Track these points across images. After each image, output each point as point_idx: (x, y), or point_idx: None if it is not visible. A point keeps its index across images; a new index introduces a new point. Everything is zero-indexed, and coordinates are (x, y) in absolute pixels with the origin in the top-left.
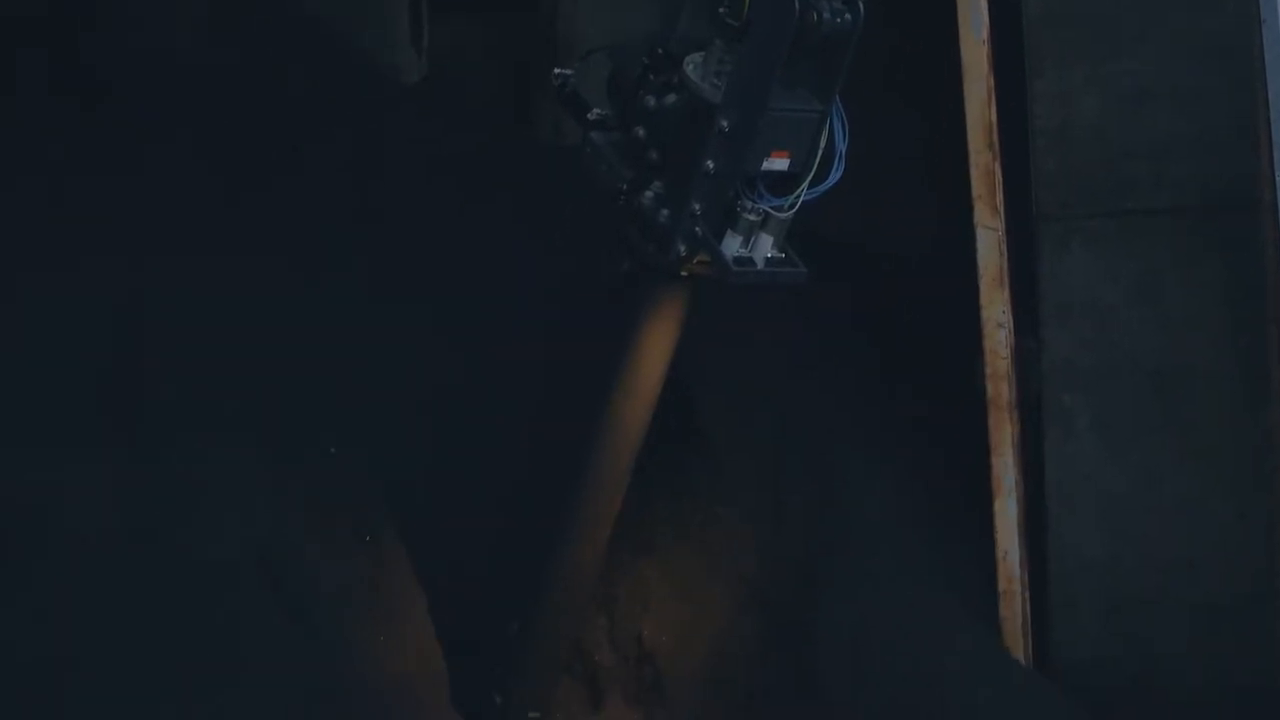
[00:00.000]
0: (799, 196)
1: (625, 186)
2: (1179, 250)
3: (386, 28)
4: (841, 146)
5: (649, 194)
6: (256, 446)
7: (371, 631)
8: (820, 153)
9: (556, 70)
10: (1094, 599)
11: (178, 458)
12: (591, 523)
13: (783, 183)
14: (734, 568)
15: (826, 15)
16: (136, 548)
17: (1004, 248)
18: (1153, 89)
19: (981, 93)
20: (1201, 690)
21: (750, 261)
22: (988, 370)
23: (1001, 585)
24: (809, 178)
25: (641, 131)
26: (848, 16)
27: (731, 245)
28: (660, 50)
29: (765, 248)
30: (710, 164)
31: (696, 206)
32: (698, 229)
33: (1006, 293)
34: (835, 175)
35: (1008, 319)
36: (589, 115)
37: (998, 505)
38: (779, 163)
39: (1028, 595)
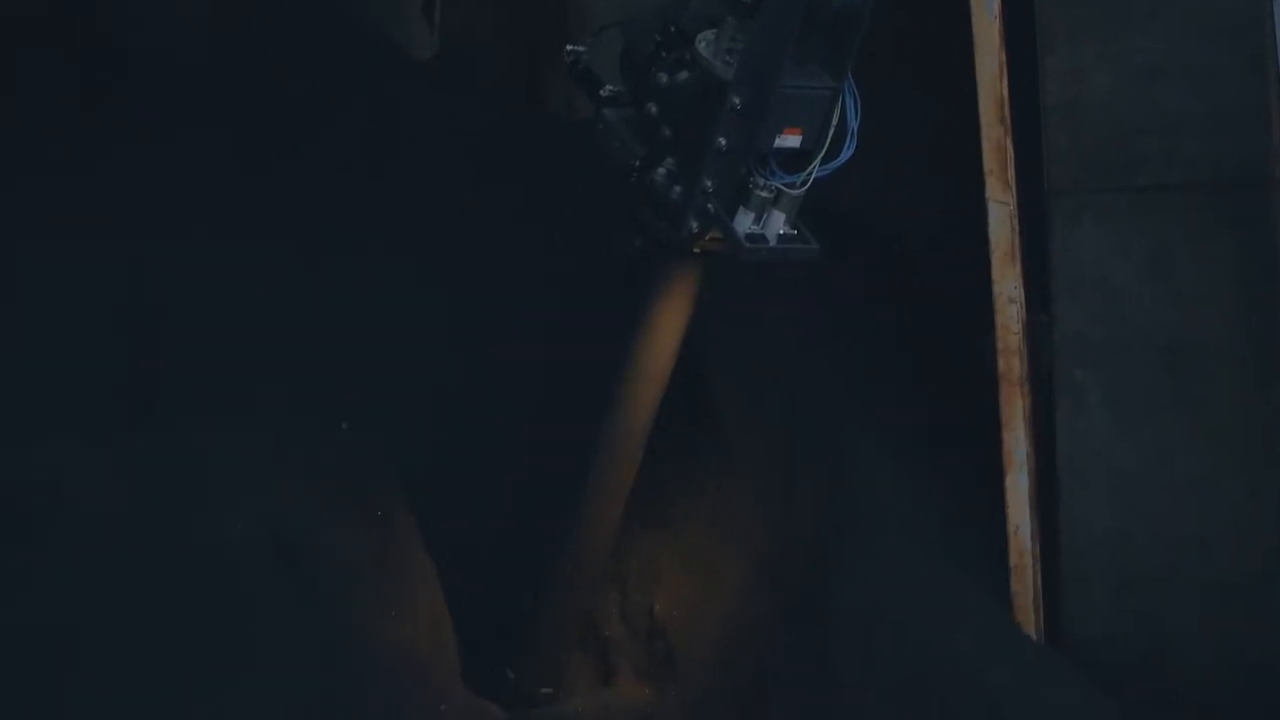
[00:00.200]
0: (811, 173)
1: (637, 163)
2: (1191, 226)
3: (398, 3)
4: (854, 123)
5: (661, 171)
6: (268, 425)
7: (383, 608)
8: (832, 130)
9: (569, 47)
10: (1105, 575)
11: (190, 438)
12: (603, 500)
13: (795, 160)
14: (746, 544)
15: None
16: (149, 527)
17: (1015, 223)
18: (1164, 66)
19: (993, 68)
20: (1213, 667)
21: (762, 238)
22: (999, 345)
23: (1012, 560)
24: (821, 154)
25: (654, 108)
26: None
27: (744, 222)
28: (672, 27)
29: (777, 224)
30: (722, 141)
31: (709, 183)
32: (710, 206)
33: (1018, 268)
34: (847, 152)
35: (1019, 294)
36: (601, 92)
37: (1009, 480)
38: (791, 140)
39: (1039, 570)
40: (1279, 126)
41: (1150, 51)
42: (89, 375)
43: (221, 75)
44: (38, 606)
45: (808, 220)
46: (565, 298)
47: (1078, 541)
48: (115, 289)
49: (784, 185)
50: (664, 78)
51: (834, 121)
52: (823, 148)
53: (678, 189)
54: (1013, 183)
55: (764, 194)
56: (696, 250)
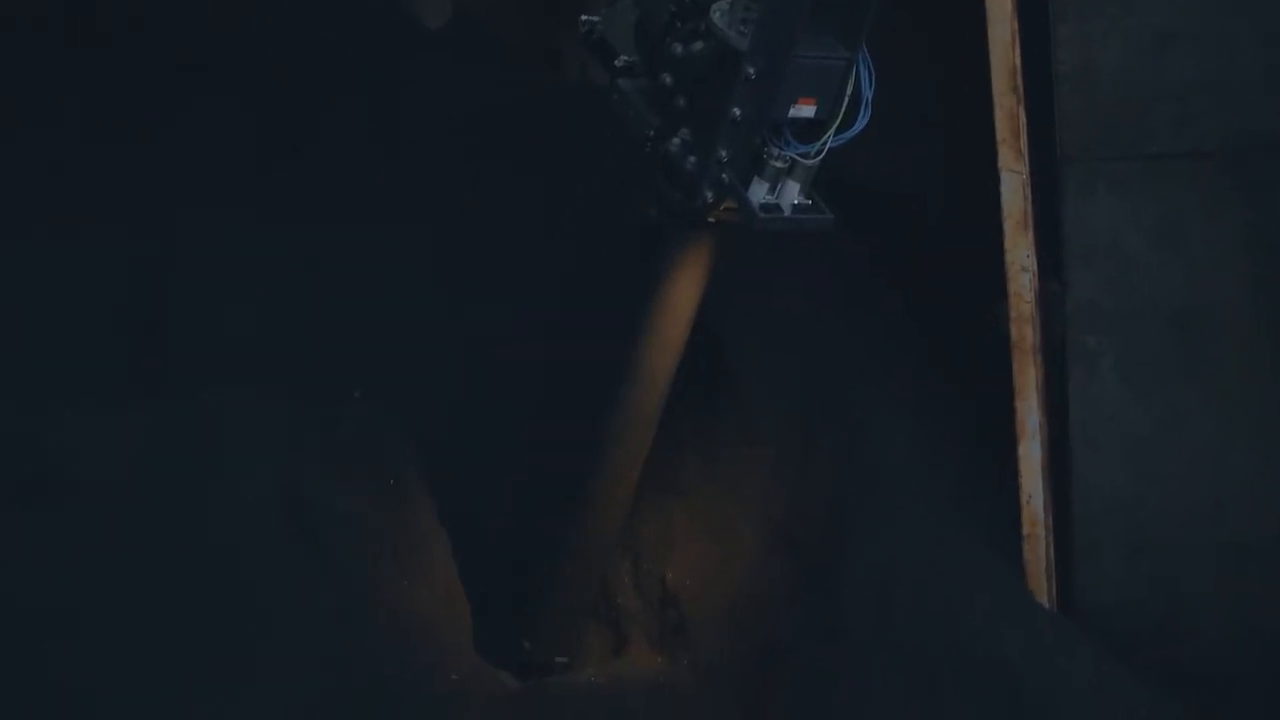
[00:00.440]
0: (825, 143)
1: (652, 133)
2: (1203, 193)
3: None
4: (868, 93)
5: (676, 141)
6: (281, 392)
7: (397, 576)
8: (846, 99)
9: (584, 17)
10: (1118, 541)
11: (205, 404)
12: (619, 468)
13: (809, 129)
14: (761, 510)
15: None
16: (164, 492)
17: (1028, 191)
18: (1177, 33)
19: (1005, 36)
20: (1227, 632)
21: (777, 208)
22: (1012, 313)
23: (1026, 529)
24: (835, 124)
25: (668, 78)
26: None
27: (758, 192)
28: None
29: (792, 194)
30: (737, 111)
31: (723, 153)
32: (725, 176)
33: (1030, 236)
34: (861, 122)
35: (1032, 262)
36: (616, 62)
37: (1022, 449)
38: (805, 109)
39: (1052, 538)
40: None
41: (1162, 19)
42: (104, 344)
43: (234, 41)
44: (52, 571)
45: (822, 190)
46: (582, 267)
47: (1090, 508)
48: (132, 259)
49: (798, 155)
50: (679, 48)
51: (848, 91)
52: (837, 117)
53: (692, 159)
54: (1025, 151)
55: (778, 164)
56: (711, 220)
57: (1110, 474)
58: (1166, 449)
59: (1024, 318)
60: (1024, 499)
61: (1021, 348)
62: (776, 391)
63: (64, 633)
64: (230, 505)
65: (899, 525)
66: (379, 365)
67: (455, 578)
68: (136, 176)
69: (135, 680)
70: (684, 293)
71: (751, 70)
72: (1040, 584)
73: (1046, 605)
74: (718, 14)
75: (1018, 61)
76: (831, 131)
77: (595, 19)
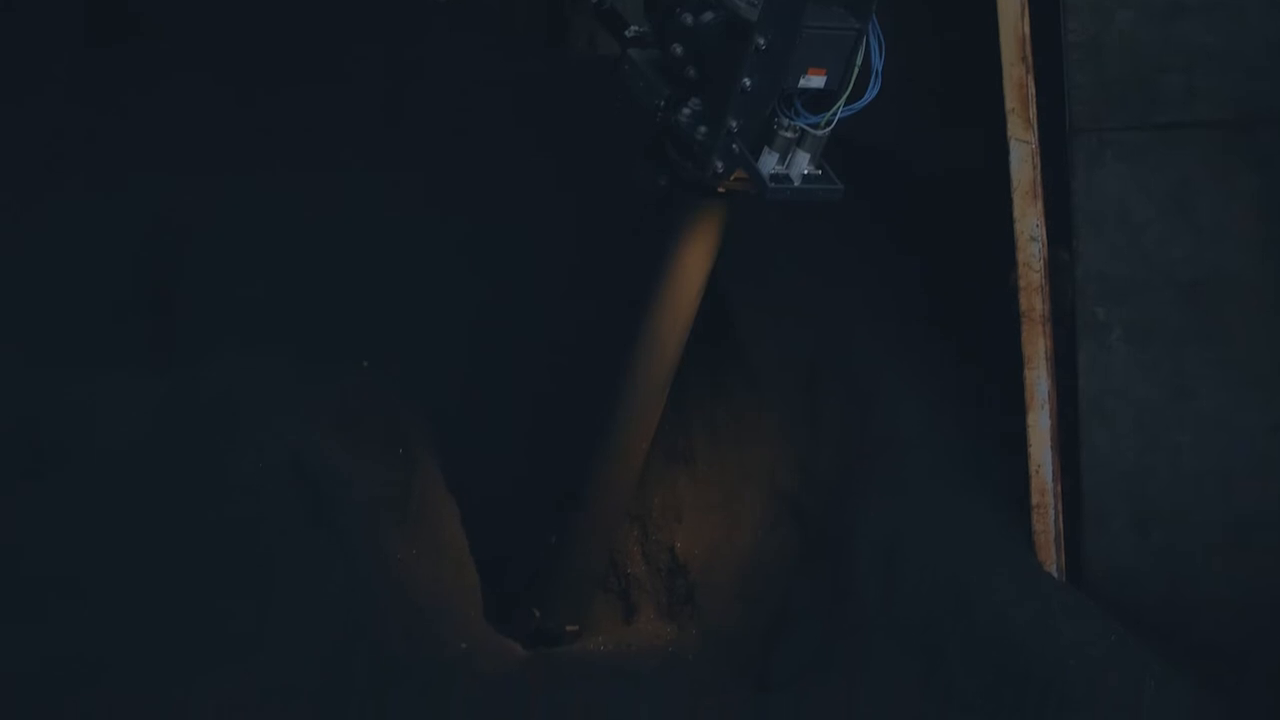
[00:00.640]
0: (835, 113)
1: (663, 103)
2: (1212, 163)
3: None
4: (878, 64)
5: (686, 111)
6: (291, 361)
7: (407, 545)
8: (856, 70)
9: None
10: (1126, 511)
11: (214, 371)
12: (629, 436)
13: (819, 100)
14: (769, 480)
15: None
16: (174, 462)
17: (1037, 161)
18: (1186, 3)
19: (1015, 6)
20: (1234, 603)
21: (787, 178)
22: (1021, 283)
23: (1034, 500)
24: (845, 95)
25: (679, 49)
26: None
27: (768, 162)
28: None
29: (802, 164)
30: (747, 81)
31: (733, 124)
32: (735, 146)
33: (1040, 206)
34: (872, 92)
35: (1041, 232)
36: (626, 32)
37: (1031, 418)
38: (815, 80)
39: (1060, 508)
40: None
41: None
42: (117, 310)
43: (240, 12)
44: (62, 538)
45: (832, 160)
46: (592, 237)
47: (1099, 478)
48: (142, 226)
49: (808, 125)
50: (689, 18)
51: (858, 62)
52: (847, 88)
53: (703, 129)
54: (1034, 121)
55: (788, 134)
56: (721, 190)
57: (1119, 444)
58: (1176, 419)
59: (1033, 287)
60: (1033, 468)
61: (1031, 317)
62: (785, 361)
63: (73, 598)
64: (240, 475)
65: (907, 495)
66: (389, 335)
67: (465, 547)
68: (148, 147)
69: (145, 647)
70: (694, 263)
71: (762, 40)
72: (1049, 554)
73: (1055, 575)
74: None
75: (1027, 31)
76: (842, 102)
77: None
